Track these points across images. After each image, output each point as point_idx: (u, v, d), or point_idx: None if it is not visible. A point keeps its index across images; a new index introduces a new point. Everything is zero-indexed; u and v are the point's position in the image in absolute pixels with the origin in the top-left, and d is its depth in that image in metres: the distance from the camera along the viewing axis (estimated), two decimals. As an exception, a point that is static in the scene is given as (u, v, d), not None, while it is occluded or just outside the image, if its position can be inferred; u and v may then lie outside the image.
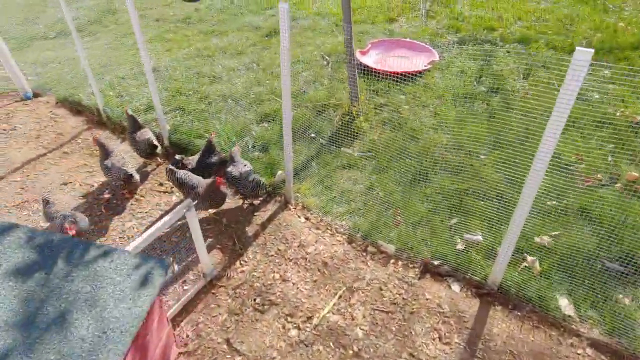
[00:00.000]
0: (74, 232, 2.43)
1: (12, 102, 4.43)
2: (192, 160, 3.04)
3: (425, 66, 4.24)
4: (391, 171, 3.17)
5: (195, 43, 5.43)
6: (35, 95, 4.54)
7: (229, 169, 2.92)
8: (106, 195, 3.14)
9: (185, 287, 2.52)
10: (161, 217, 2.94)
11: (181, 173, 2.80)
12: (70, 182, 3.31)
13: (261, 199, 3.09)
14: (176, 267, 2.62)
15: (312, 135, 3.62)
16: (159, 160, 3.50)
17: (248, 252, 2.73)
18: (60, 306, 1.26)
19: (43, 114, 4.22)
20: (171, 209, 2.70)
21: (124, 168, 2.98)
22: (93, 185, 3.28)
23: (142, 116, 3.87)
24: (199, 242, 2.35)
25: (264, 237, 2.82)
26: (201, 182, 2.79)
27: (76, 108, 4.25)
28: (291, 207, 3.04)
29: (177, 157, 2.97)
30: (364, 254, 2.68)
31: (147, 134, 3.27)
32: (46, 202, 2.70)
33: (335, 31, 5.33)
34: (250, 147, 3.50)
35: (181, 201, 2.96)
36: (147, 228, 2.88)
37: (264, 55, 4.95)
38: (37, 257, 1.12)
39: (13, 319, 1.15)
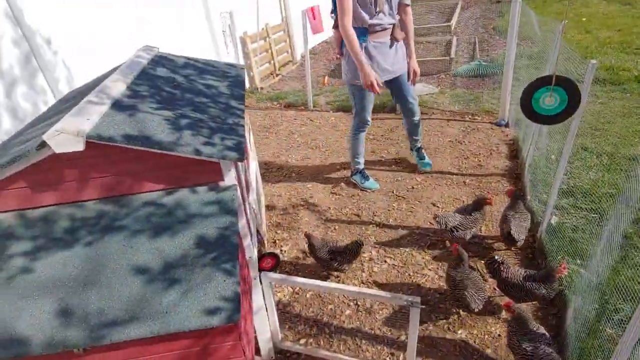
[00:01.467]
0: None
1: (490, 124, 4.99)
2: (516, 274, 2.44)
3: None
4: None
5: None
6: (507, 125, 4.86)
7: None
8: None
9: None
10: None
11: (459, 277, 2.38)
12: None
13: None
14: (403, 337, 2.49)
15: None
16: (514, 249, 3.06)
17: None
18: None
19: (494, 141, 4.54)
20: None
21: (447, 218, 3.00)
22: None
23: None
24: (412, 342, 2.09)
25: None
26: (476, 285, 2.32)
27: (515, 150, 4.26)
28: None
29: (497, 257, 2.51)
30: None
31: (516, 219, 2.88)
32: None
33: None
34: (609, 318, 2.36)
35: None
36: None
37: None
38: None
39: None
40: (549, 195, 3.02)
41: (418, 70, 3.54)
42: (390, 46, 3.34)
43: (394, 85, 3.61)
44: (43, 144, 1.45)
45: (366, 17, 3.10)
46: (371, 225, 3.44)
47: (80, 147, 1.46)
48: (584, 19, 9.26)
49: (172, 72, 2.31)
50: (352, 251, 2.83)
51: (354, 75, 3.30)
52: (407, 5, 3.34)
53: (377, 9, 3.12)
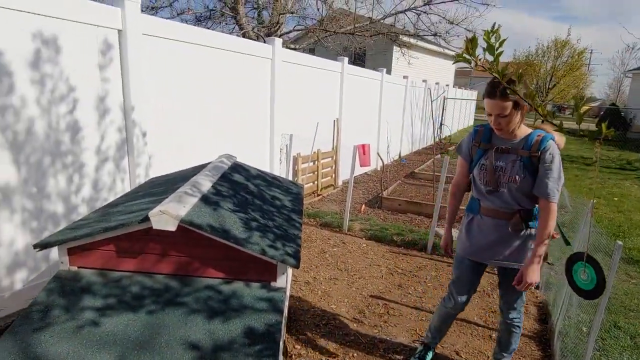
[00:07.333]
0: None
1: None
2: None
3: None
4: None
5: None
6: (537, 287, 4.88)
7: None
8: None
9: None
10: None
11: None
12: (461, 356, 3.51)
13: None
14: None
15: None
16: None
17: None
18: None
19: (520, 301, 4.52)
20: None
21: None
22: None
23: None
24: None
25: None
26: None
27: (545, 315, 4.21)
28: None
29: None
30: None
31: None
32: None
33: None
34: None
35: None
36: None
37: None
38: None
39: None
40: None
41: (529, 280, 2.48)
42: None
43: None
44: (146, 219, 1.77)
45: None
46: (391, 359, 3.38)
47: (173, 228, 1.76)
48: (615, 199, 9.61)
49: (246, 180, 2.71)
50: None
51: None
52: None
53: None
